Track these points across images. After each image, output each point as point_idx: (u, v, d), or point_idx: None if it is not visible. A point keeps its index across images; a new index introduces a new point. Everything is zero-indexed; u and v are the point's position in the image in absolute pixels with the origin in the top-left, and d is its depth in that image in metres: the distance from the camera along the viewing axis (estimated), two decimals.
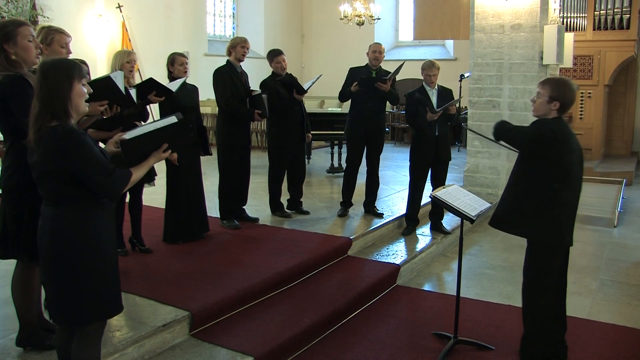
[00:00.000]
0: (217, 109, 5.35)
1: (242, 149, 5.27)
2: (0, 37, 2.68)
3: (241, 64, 5.23)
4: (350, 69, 5.72)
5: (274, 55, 5.53)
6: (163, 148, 2.51)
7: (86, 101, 2.36)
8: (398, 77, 5.64)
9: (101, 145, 2.49)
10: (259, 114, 5.12)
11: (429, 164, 5.47)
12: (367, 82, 5.40)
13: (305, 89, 5.46)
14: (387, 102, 5.81)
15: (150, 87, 4.16)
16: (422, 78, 5.43)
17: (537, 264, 3.23)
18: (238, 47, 5.14)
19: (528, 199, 3.18)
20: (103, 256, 2.33)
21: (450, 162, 5.60)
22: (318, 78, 5.73)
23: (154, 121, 2.63)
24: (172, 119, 2.53)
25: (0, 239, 2.82)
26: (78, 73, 2.28)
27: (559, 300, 3.37)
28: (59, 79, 2.22)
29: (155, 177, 4.50)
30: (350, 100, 5.69)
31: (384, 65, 5.74)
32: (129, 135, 2.48)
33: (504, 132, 3.31)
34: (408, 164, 5.59)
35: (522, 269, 3.34)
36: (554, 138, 3.06)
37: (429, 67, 5.33)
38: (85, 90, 2.32)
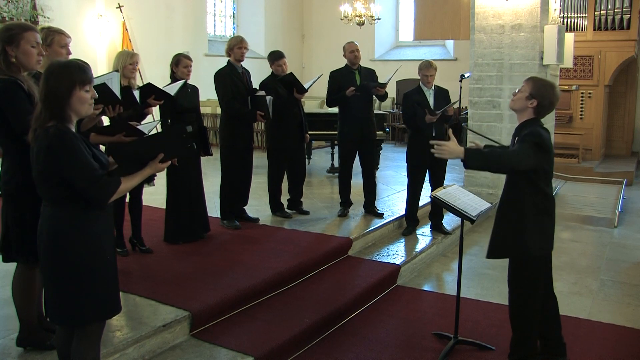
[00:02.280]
0: (219, 109, 5.34)
1: (244, 149, 5.26)
2: (4, 38, 2.69)
3: (242, 63, 5.23)
4: (331, 73, 5.66)
5: (275, 57, 5.51)
6: (159, 158, 2.45)
7: None
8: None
9: (102, 148, 2.49)
10: (262, 115, 5.11)
11: (426, 165, 5.45)
12: (364, 88, 5.41)
13: (306, 88, 5.45)
14: (378, 102, 5.79)
15: (149, 92, 4.16)
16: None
17: (529, 278, 3.13)
18: (235, 48, 5.12)
19: (522, 216, 3.06)
20: (101, 256, 2.33)
21: (447, 162, 5.59)
22: (318, 78, 5.71)
23: (154, 124, 2.61)
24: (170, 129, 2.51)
25: (2, 243, 2.82)
26: (81, 78, 2.25)
27: (551, 300, 3.34)
28: (60, 82, 2.22)
29: (155, 178, 4.50)
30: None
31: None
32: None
33: (492, 161, 3.02)
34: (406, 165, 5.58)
35: (508, 282, 3.23)
36: (548, 148, 2.98)
37: (426, 68, 5.31)
38: (90, 95, 2.30)
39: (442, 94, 5.43)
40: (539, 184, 3.04)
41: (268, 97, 5.16)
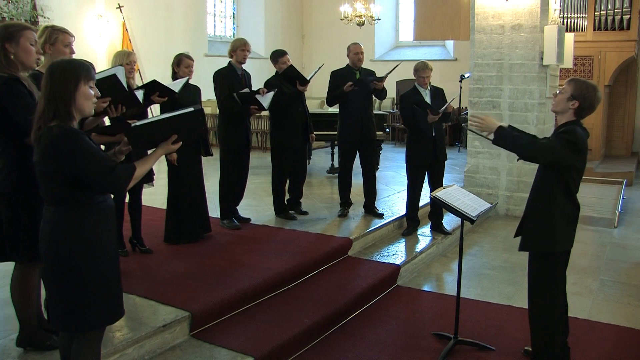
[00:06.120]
0: (218, 110, 5.36)
1: (241, 149, 5.25)
2: (3, 35, 2.69)
3: (243, 65, 5.23)
4: (332, 72, 5.68)
5: (278, 56, 5.51)
6: (172, 139, 2.42)
7: None
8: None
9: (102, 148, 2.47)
10: (256, 108, 5.10)
11: (426, 165, 5.48)
12: (363, 82, 5.44)
13: (308, 79, 5.42)
14: (378, 102, 5.80)
15: (153, 89, 4.17)
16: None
17: (551, 274, 3.17)
18: (238, 50, 5.13)
19: (552, 212, 3.12)
20: (103, 260, 2.29)
21: (447, 161, 5.63)
22: (320, 68, 5.62)
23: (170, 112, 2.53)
24: (186, 109, 2.46)
25: None
26: (85, 74, 2.25)
27: (563, 303, 3.36)
28: (65, 79, 2.20)
29: (154, 178, 4.50)
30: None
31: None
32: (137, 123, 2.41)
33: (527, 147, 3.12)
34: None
35: (529, 280, 3.26)
36: (583, 148, 3.06)
37: (423, 69, 5.34)
38: (93, 92, 2.29)
39: (438, 93, 5.47)
40: (569, 183, 3.09)
41: (269, 93, 5.13)
